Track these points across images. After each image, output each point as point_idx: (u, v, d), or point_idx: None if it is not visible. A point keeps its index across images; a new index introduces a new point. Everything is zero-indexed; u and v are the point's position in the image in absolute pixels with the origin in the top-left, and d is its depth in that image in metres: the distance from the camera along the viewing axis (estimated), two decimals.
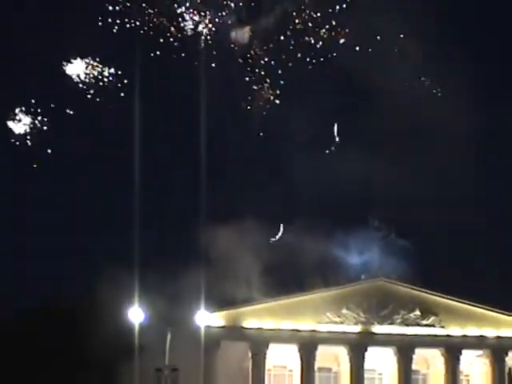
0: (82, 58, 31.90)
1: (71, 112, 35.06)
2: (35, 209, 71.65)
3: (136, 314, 48.10)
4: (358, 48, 32.54)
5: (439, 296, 63.54)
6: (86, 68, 31.62)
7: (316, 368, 60.92)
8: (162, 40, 29.87)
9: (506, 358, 62.53)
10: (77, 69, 31.82)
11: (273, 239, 60.61)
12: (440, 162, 67.31)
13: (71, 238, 67.81)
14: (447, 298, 63.47)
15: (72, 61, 31.83)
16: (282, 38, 30.06)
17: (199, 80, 35.28)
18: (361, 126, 62.87)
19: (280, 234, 60.57)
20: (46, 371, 50.63)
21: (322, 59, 31.70)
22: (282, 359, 62.15)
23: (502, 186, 74.67)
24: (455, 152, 61.47)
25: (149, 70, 35.44)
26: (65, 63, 31.98)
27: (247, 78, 31.06)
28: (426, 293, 63.52)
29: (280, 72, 31.33)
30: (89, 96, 31.80)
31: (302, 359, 60.34)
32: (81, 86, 31.88)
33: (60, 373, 50.36)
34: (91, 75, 31.60)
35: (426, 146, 65.31)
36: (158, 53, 31.29)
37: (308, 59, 31.41)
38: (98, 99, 31.97)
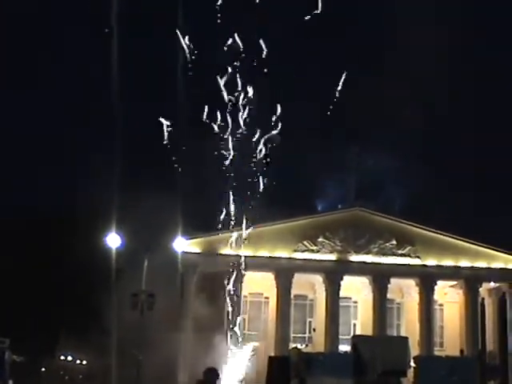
0: None
1: None
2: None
3: (113, 240, 47.31)
4: None
5: (415, 226, 63.67)
6: None
7: (292, 295, 61.15)
8: None
9: (480, 289, 63.23)
10: None
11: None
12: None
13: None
14: (423, 229, 63.60)
15: None
16: None
17: None
18: None
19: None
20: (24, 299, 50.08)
21: None
22: (258, 286, 62.14)
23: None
24: None
25: None
26: None
27: None
28: (403, 223, 63.62)
29: None
30: None
31: (278, 286, 60.44)
32: None
33: (37, 299, 49.83)
34: None
35: None
36: None
37: None
38: None
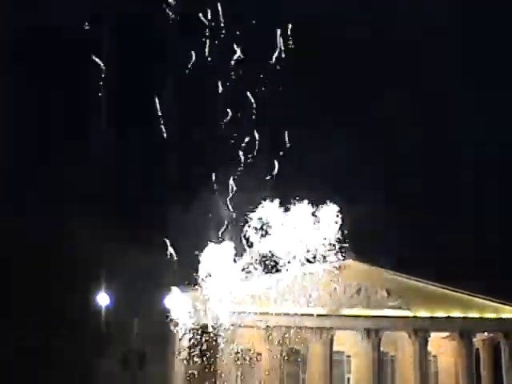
0: None
1: None
2: None
3: (102, 299, 47.11)
4: None
5: (407, 278, 63.35)
6: None
7: (284, 351, 60.46)
8: None
9: (474, 340, 62.84)
10: None
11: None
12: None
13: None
14: (414, 280, 63.33)
15: None
16: None
17: None
18: None
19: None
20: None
21: None
22: (250, 343, 61.46)
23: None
24: None
25: None
26: None
27: None
28: (394, 274, 63.32)
29: None
30: None
31: (270, 342, 59.83)
32: None
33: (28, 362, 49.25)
34: None
35: None
36: None
37: None
38: None
